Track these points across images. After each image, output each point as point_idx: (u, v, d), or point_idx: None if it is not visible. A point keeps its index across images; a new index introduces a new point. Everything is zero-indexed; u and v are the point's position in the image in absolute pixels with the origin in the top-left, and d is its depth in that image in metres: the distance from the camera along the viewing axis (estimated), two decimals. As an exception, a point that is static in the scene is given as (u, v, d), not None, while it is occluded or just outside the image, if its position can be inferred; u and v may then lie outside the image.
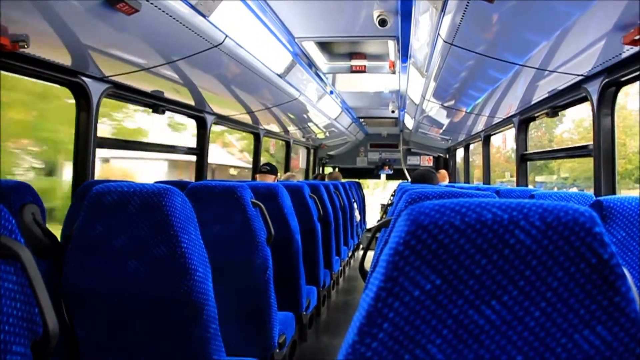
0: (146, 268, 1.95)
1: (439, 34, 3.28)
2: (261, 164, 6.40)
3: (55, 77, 3.27)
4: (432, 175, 5.52)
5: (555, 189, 4.04)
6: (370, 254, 2.52)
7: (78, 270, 1.99)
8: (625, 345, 0.83)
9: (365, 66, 5.42)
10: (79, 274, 1.99)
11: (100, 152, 3.75)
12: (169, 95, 4.53)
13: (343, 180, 9.26)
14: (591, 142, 3.45)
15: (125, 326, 2.03)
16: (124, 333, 2.04)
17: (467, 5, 2.56)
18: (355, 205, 8.90)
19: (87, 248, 1.99)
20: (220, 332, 2.10)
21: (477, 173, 8.89)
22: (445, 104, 5.71)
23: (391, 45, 4.72)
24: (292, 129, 8.39)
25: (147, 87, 4.17)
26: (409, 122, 9.00)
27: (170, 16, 2.75)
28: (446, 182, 8.58)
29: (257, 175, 5.95)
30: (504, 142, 7.12)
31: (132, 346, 2.05)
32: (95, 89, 3.58)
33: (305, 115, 7.36)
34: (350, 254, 8.22)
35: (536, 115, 4.81)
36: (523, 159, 5.31)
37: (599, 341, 0.84)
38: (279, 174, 6.23)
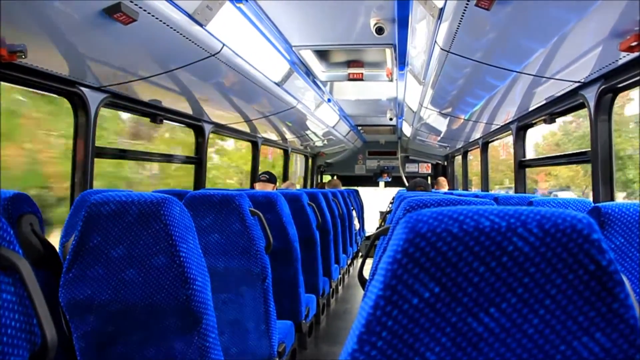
0: (145, 278, 1.95)
1: (435, 41, 3.29)
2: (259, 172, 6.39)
3: (53, 87, 3.27)
4: (424, 183, 5.59)
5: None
6: (370, 262, 2.53)
7: (76, 280, 1.98)
8: (624, 352, 0.83)
9: (362, 74, 5.42)
10: (78, 284, 1.98)
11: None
12: (166, 104, 4.54)
13: (342, 188, 9.27)
14: (589, 149, 3.46)
15: (123, 336, 2.03)
16: (122, 343, 2.04)
17: (463, 13, 2.57)
18: (354, 213, 8.90)
19: (85, 258, 1.98)
20: (219, 342, 2.09)
21: (476, 180, 8.90)
22: (443, 111, 5.72)
23: (388, 53, 4.72)
24: (290, 137, 8.40)
25: (145, 97, 4.18)
26: (407, 130, 9.01)
27: (168, 25, 2.76)
28: (445, 189, 8.59)
29: (256, 184, 5.94)
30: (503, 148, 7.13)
31: (130, 356, 2.05)
32: (93, 98, 3.58)
33: (303, 124, 7.36)
34: (349, 262, 8.22)
35: (534, 121, 4.82)
36: (521, 165, 5.32)
37: (597, 348, 0.83)
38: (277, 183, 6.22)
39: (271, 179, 5.84)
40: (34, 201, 2.14)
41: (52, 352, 1.14)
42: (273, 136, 7.95)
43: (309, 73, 5.33)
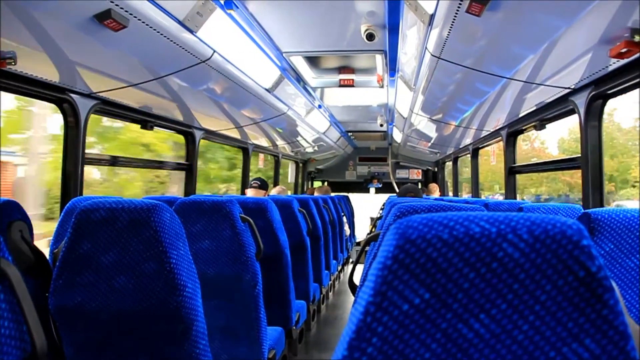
0: (135, 284, 1.95)
1: (426, 47, 3.30)
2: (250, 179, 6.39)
3: (43, 94, 3.26)
4: (415, 189, 5.63)
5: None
6: (360, 268, 2.53)
7: (66, 287, 1.98)
8: (613, 358, 0.83)
9: (353, 80, 5.42)
10: (67, 291, 1.97)
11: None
12: (157, 111, 4.53)
13: (332, 194, 9.28)
14: (579, 155, 3.47)
15: (114, 343, 2.02)
16: (112, 350, 2.03)
17: (454, 19, 2.58)
18: (344, 219, 8.91)
19: (75, 265, 1.98)
20: (210, 348, 2.09)
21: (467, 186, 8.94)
22: (434, 117, 5.73)
23: (379, 60, 4.73)
24: (280, 143, 8.41)
25: (136, 103, 4.17)
26: (398, 136, 9.03)
27: (158, 32, 2.76)
28: (436, 195, 8.61)
29: (248, 190, 5.93)
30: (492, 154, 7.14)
31: (120, 363, 2.04)
32: (84, 105, 3.57)
33: (293, 130, 7.38)
34: (339, 268, 8.23)
35: (524, 128, 4.84)
36: (511, 171, 5.33)
37: (587, 354, 0.84)
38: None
39: (263, 185, 5.83)
40: (23, 208, 2.13)
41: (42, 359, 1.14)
42: (264, 142, 7.95)
43: (299, 79, 5.33)
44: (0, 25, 2.32)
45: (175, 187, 9.37)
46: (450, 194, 9.63)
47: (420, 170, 11.63)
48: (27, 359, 1.12)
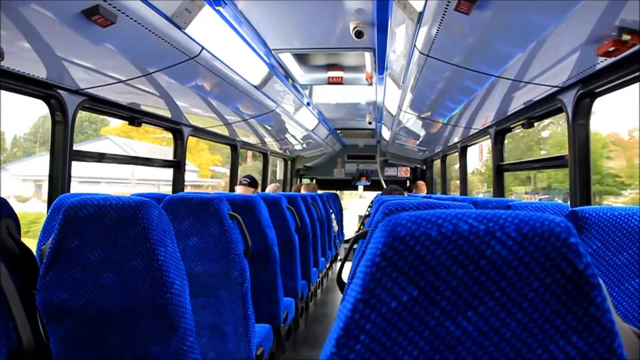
0: (122, 281, 1.94)
1: (415, 45, 3.30)
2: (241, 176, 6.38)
3: (30, 90, 3.24)
4: (399, 189, 5.70)
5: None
6: (348, 265, 2.53)
7: (54, 284, 1.97)
8: (600, 355, 0.84)
9: (341, 78, 5.42)
10: (55, 288, 1.96)
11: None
12: (145, 107, 4.51)
13: (320, 192, 9.28)
14: (567, 153, 3.48)
15: (101, 340, 2.01)
16: (100, 347, 2.02)
17: (442, 17, 2.58)
18: (333, 217, 8.92)
19: (63, 261, 1.97)
20: (198, 345, 2.08)
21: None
22: (422, 115, 5.73)
23: (368, 57, 4.73)
24: (269, 140, 8.40)
25: (123, 100, 4.15)
26: (386, 134, 9.04)
27: (147, 28, 2.75)
28: (424, 193, 8.63)
29: (237, 188, 5.91)
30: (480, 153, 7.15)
31: (108, 360, 2.04)
32: (71, 101, 3.55)
33: (282, 127, 7.37)
34: (328, 265, 8.24)
35: (512, 126, 4.85)
36: (499, 169, 5.35)
37: (574, 351, 0.84)
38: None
39: (252, 183, 5.82)
40: (10, 205, 2.11)
41: (29, 356, 1.14)
42: (252, 140, 7.94)
43: (288, 76, 5.32)
44: None
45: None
46: (439, 192, 9.66)
47: (408, 168, 11.65)
48: (12, 356, 1.12)
